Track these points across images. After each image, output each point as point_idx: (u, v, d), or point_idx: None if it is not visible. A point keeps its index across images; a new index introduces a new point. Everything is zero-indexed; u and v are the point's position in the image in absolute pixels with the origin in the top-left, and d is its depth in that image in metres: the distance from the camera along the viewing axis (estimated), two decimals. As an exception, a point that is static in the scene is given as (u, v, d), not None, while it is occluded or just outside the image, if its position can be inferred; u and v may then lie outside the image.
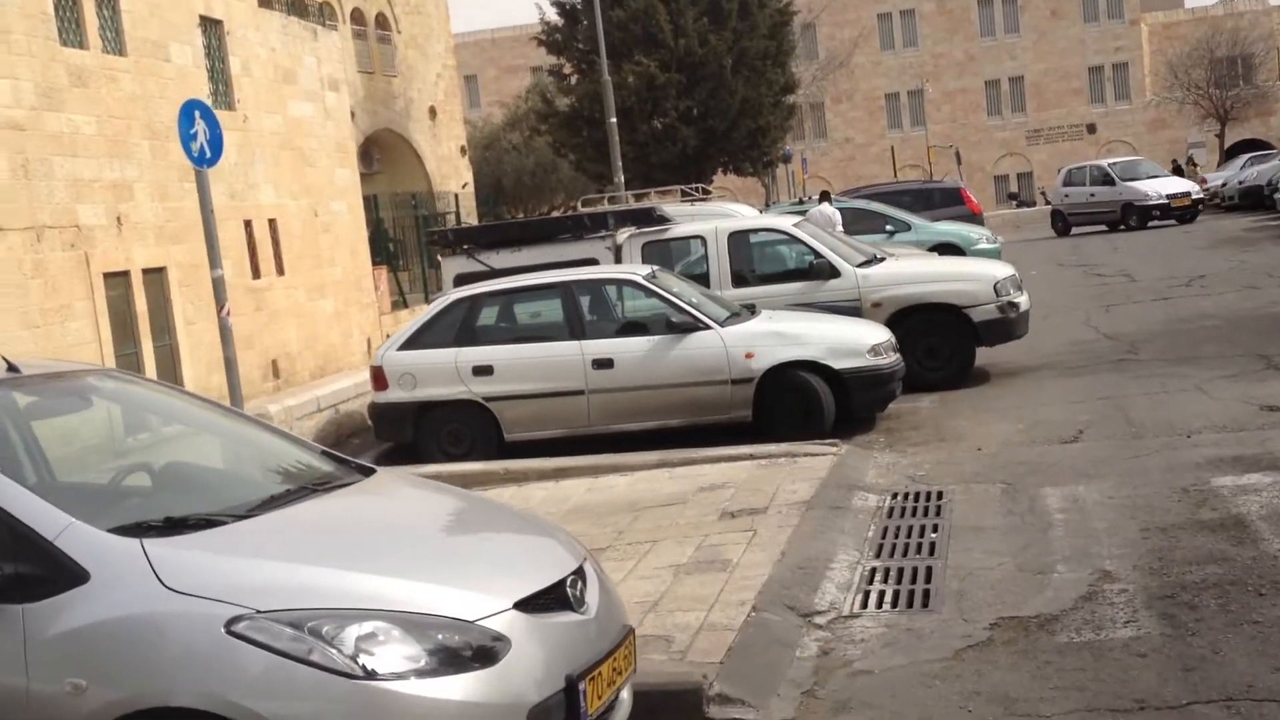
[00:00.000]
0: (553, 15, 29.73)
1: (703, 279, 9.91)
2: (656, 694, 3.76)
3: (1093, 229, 26.68)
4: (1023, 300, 9.94)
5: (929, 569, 5.08)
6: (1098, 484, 6.08)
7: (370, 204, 18.59)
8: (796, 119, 36.48)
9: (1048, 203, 34.15)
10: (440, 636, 2.79)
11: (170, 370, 11.11)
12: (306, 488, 3.47)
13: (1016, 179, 52.63)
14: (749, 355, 8.13)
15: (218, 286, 8.22)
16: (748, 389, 8.13)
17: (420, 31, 25.38)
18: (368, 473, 3.74)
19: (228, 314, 8.20)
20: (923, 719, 3.73)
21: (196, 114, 8.11)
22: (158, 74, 11.43)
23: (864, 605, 4.78)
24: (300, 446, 3.90)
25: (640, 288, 8.59)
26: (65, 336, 9.79)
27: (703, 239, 10.29)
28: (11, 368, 3.56)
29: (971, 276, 9.96)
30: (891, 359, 8.34)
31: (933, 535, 5.54)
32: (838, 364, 8.08)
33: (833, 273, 9.81)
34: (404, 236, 21.22)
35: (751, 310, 8.76)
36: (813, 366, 8.09)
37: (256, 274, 12.81)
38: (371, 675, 2.68)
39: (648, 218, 10.54)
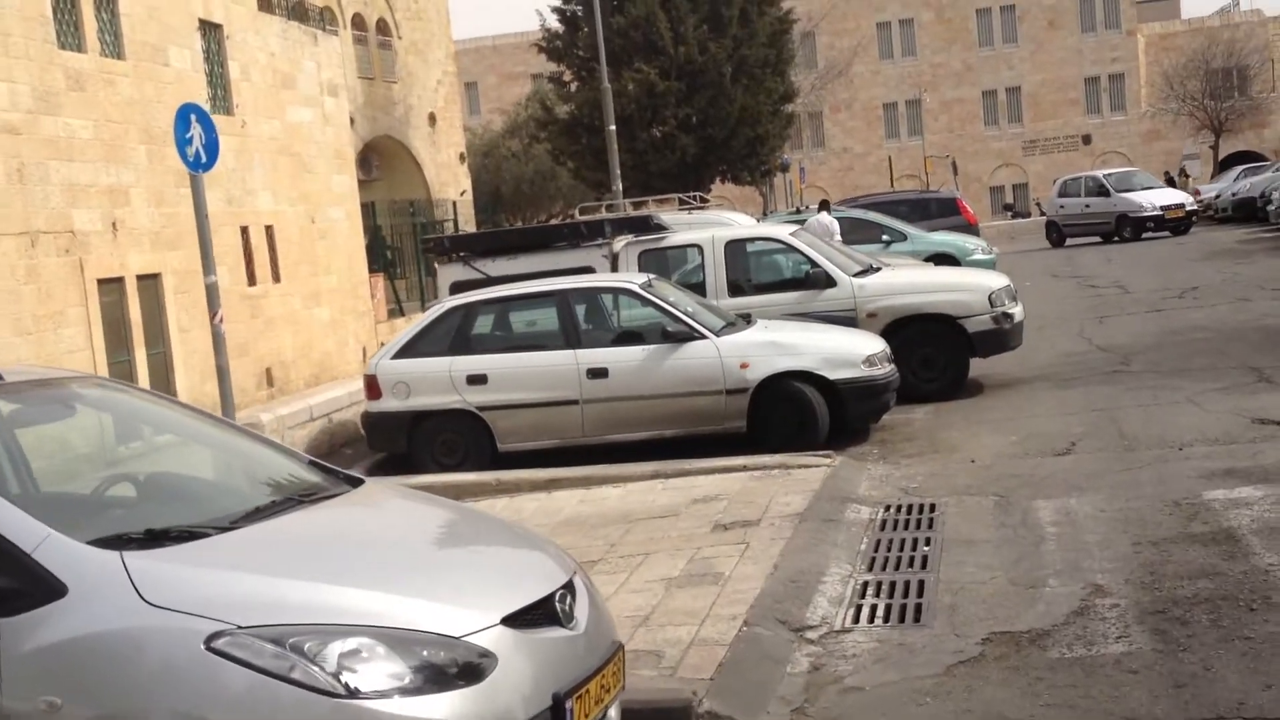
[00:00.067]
0: (553, 22, 29.80)
1: (699, 288, 9.90)
2: (646, 711, 3.73)
3: (1087, 240, 26.74)
4: (1017, 311, 9.94)
5: (921, 583, 5.07)
6: (1090, 497, 6.08)
7: (368, 211, 18.59)
8: (795, 128, 36.56)
9: (1043, 214, 34.23)
10: (425, 653, 2.75)
11: (164, 378, 11.08)
12: (292, 499, 3.43)
13: (1012, 190, 52.73)
14: (744, 365, 8.12)
15: (211, 293, 8.20)
16: (742, 399, 8.12)
17: (421, 38, 25.41)
18: (356, 483, 3.71)
19: (220, 321, 8.18)
20: (913, 736, 3.72)
21: (192, 118, 8.09)
22: (156, 78, 11.42)
23: (856, 620, 4.76)
24: (288, 456, 3.86)
25: (636, 296, 8.58)
26: (58, 343, 9.76)
27: (699, 247, 10.30)
28: None
29: (966, 287, 9.97)
30: (886, 369, 8.33)
31: (925, 548, 5.53)
32: (832, 374, 8.07)
33: (829, 282, 9.81)
34: (402, 244, 21.21)
35: (747, 320, 8.76)
36: (807, 377, 8.08)
37: (252, 281, 12.79)
38: (354, 694, 2.64)
39: (644, 226, 10.54)
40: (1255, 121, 49.10)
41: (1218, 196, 29.91)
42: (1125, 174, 28.78)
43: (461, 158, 27.04)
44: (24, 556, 2.76)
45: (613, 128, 22.89)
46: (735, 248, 10.30)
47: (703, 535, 5.88)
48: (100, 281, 10.43)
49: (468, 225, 25.02)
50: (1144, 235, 25.66)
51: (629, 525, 6.27)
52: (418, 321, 9.27)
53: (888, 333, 9.26)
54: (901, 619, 4.71)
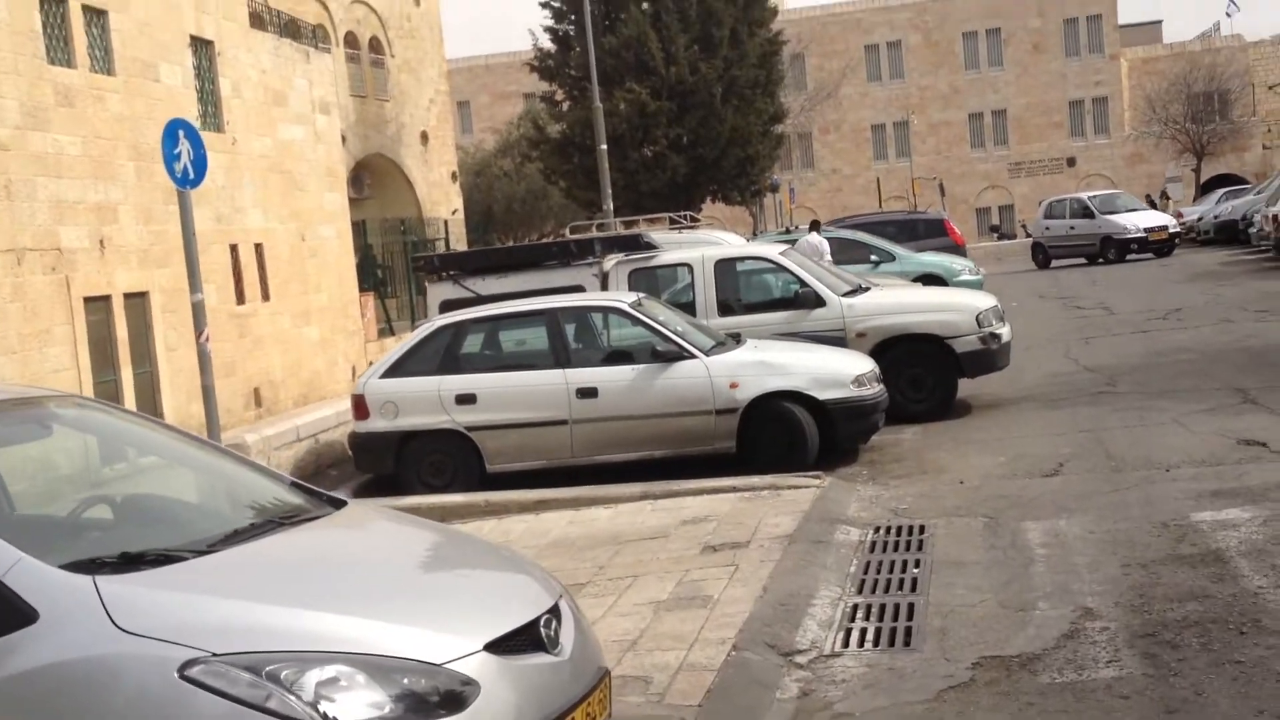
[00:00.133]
0: (546, 42, 29.93)
1: (689, 307, 9.90)
2: (632, 736, 3.70)
3: (1072, 261, 26.90)
4: (1005, 331, 9.97)
5: (911, 606, 5.04)
6: (1079, 518, 6.07)
7: (359, 229, 18.57)
8: (785, 149, 36.77)
9: (1028, 235, 34.45)
10: (406, 681, 2.70)
11: (150, 398, 11.00)
12: (273, 521, 3.37)
13: (998, 211, 53.11)
14: (734, 385, 8.11)
15: (197, 311, 8.15)
16: (732, 419, 8.10)
17: (414, 56, 25.47)
18: (338, 505, 3.65)
19: (206, 340, 8.13)
20: (902, 762, 3.69)
21: (181, 134, 8.07)
22: (146, 94, 11.40)
23: (845, 644, 4.73)
24: (269, 478, 3.81)
25: (626, 315, 8.57)
26: (44, 362, 9.69)
27: (689, 267, 10.30)
28: None
29: (955, 307, 10.00)
30: (875, 390, 8.33)
31: (915, 570, 5.51)
32: (822, 394, 8.06)
33: (818, 302, 9.83)
34: (393, 262, 21.19)
35: (737, 339, 8.76)
36: (797, 397, 8.07)
37: (241, 299, 12.73)
38: None
39: (635, 244, 10.55)
40: (1236, 145, 49.61)
41: (1200, 219, 30.17)
42: (1109, 196, 29.01)
43: (453, 176, 27.07)
44: None
45: (604, 147, 22.96)
46: (725, 267, 10.32)
47: (692, 557, 5.85)
48: (87, 300, 10.37)
49: (459, 244, 25.02)
50: (1128, 257, 25.85)
51: (618, 547, 6.23)
52: (406, 340, 9.24)
53: (876, 353, 9.27)
54: (891, 643, 4.68)
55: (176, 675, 2.57)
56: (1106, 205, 27.37)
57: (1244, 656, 4.11)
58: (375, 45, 24.19)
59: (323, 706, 2.59)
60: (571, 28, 28.76)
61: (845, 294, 10.05)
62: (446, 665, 2.77)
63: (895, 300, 10.37)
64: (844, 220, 23.31)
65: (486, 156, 39.69)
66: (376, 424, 8.59)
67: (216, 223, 12.28)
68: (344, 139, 18.91)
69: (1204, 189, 42.40)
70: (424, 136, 25.59)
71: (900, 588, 5.31)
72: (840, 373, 8.22)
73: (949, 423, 9.28)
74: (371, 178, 24.41)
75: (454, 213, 26.38)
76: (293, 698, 2.59)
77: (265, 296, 13.22)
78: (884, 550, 5.91)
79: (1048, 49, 52.62)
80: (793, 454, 7.93)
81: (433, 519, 7.00)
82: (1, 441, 3.54)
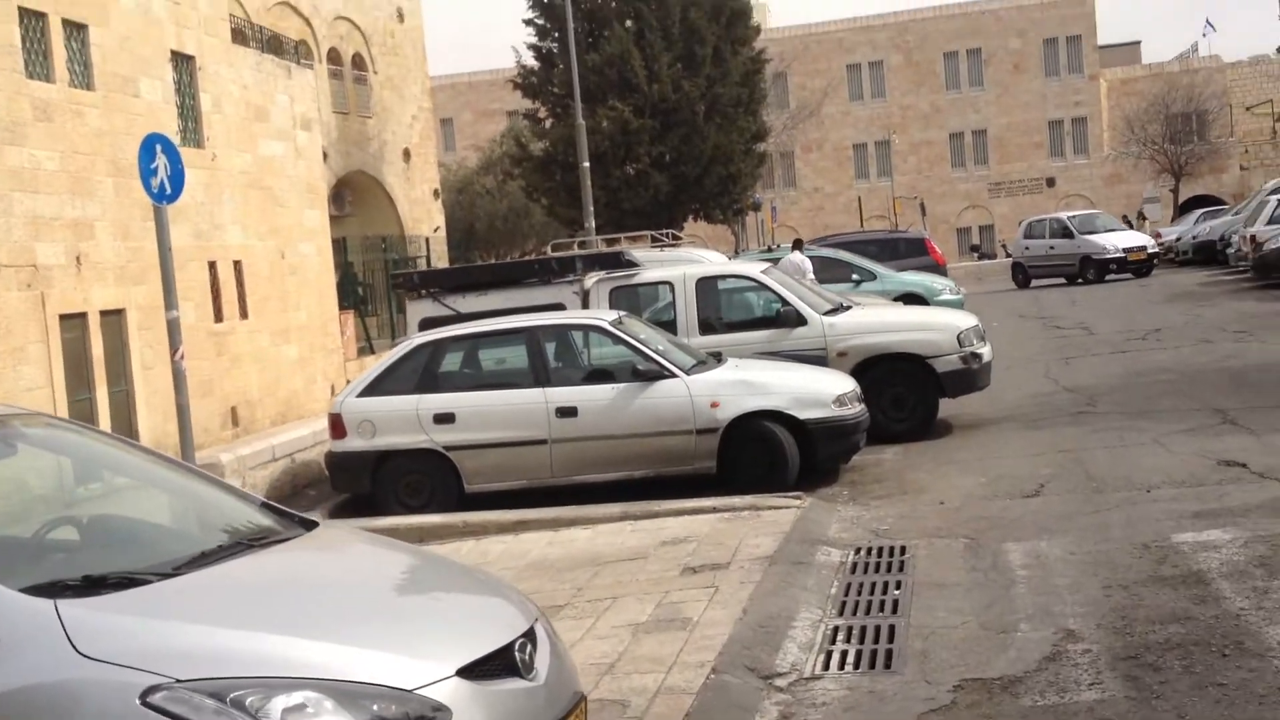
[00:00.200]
0: (529, 59, 30.01)
1: (670, 326, 9.88)
2: (609, 762, 3.64)
3: (1052, 281, 27.10)
4: (986, 351, 9.99)
5: (892, 628, 5.00)
6: (1059, 539, 6.06)
7: (339, 247, 18.48)
8: (767, 167, 36.96)
9: (1008, 255, 34.69)
10: (375, 707, 2.64)
11: (125, 417, 10.86)
12: (241, 543, 3.31)
13: (979, 231, 53.53)
14: (714, 404, 8.08)
15: (173, 329, 8.05)
16: (712, 439, 8.06)
17: (397, 73, 25.46)
18: (309, 526, 3.59)
19: (181, 358, 8.03)
20: (883, 788, 3.64)
21: (158, 148, 7.99)
22: (126, 109, 11.31)
23: (826, 666, 4.68)
24: (239, 499, 3.74)
25: (606, 334, 8.53)
26: (17, 380, 9.55)
27: (671, 285, 10.29)
28: None
29: (936, 326, 10.01)
30: (856, 409, 8.31)
31: (896, 592, 5.47)
32: (803, 414, 8.04)
33: (799, 321, 9.83)
34: (373, 280, 21.09)
35: (718, 358, 8.73)
36: (778, 416, 8.04)
37: (219, 317, 12.61)
38: None
39: (616, 262, 10.53)
40: (1214, 166, 50.23)
41: (1178, 239, 30.47)
42: (1088, 216, 29.26)
43: (435, 194, 27.03)
44: None
45: (586, 165, 23.00)
46: (706, 285, 10.30)
47: (671, 578, 5.79)
48: (62, 317, 10.23)
49: (440, 261, 24.95)
50: (1107, 277, 26.05)
51: (597, 568, 6.17)
52: (384, 359, 9.16)
53: (858, 372, 9.26)
54: (872, 665, 4.64)
55: (139, 702, 2.51)
56: (1086, 225, 27.60)
57: (1226, 679, 4.09)
58: (358, 62, 24.18)
59: None
60: (555, 45, 28.86)
61: (827, 313, 10.05)
62: (417, 691, 2.71)
63: (877, 319, 10.38)
64: (826, 239, 23.41)
65: (469, 174, 39.72)
66: (353, 443, 8.50)
67: (195, 239, 12.17)
68: (325, 155, 18.85)
69: (1182, 209, 42.88)
70: (406, 153, 25.56)
71: (881, 609, 5.27)
72: (821, 392, 8.20)
73: (930, 443, 9.27)
74: (353, 195, 24.34)
75: (436, 230, 26.33)
76: None
77: (244, 314, 13.11)
78: (865, 571, 5.87)
79: (1028, 69, 53.20)
80: (773, 474, 7.89)
81: (410, 540, 6.93)
82: None
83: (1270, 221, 20.77)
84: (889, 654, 4.71)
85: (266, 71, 14.34)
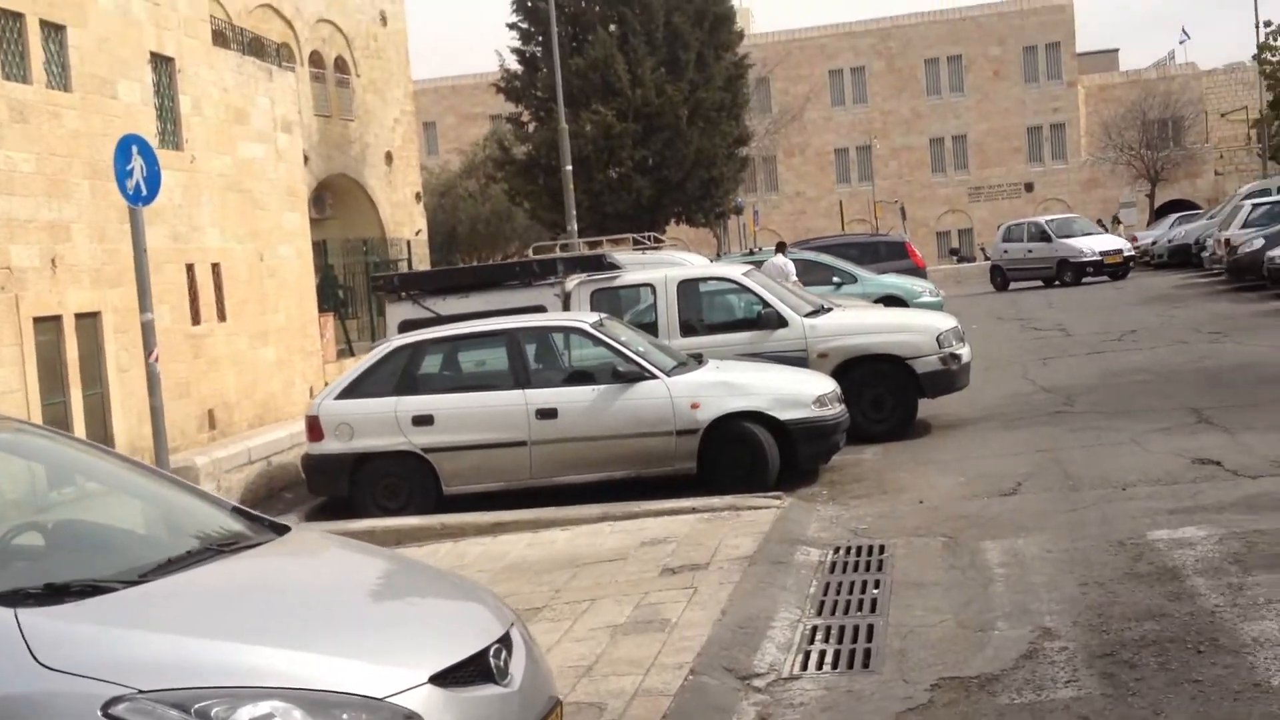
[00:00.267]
0: (513, 63, 29.97)
1: (651, 328, 9.87)
2: (585, 763, 3.61)
3: (1030, 284, 27.29)
4: (965, 352, 10.03)
5: (870, 627, 5.00)
6: (1037, 537, 6.08)
7: (320, 249, 18.38)
8: (749, 171, 37.02)
9: (987, 258, 34.89)
10: (345, 717, 2.59)
11: (101, 420, 10.75)
12: (210, 549, 3.26)
13: (958, 235, 53.83)
14: (695, 405, 8.07)
15: (147, 331, 7.98)
16: (693, 440, 8.05)
17: (380, 76, 25.36)
18: (281, 531, 3.54)
19: (155, 360, 7.95)
20: (860, 786, 3.63)
21: (134, 149, 7.92)
22: (104, 111, 11.21)
23: (804, 666, 4.67)
24: (210, 503, 3.69)
25: (587, 336, 8.51)
26: (-10, 383, 9.44)
27: (652, 287, 10.28)
28: None
29: (915, 328, 10.05)
30: (836, 410, 8.32)
31: (874, 591, 5.47)
32: (783, 415, 8.04)
33: (780, 322, 9.84)
34: (354, 283, 20.99)
35: (699, 360, 8.73)
36: (758, 417, 8.04)
37: (197, 320, 12.51)
38: None
39: (597, 265, 10.51)
40: (1190, 171, 50.72)
41: (1154, 243, 30.79)
42: (1066, 220, 29.50)
43: (417, 197, 26.95)
44: None
45: (569, 168, 22.99)
46: (688, 287, 10.30)
47: (650, 580, 5.77)
48: (36, 320, 10.12)
49: (422, 264, 24.86)
50: (1084, 280, 26.27)
51: (575, 570, 6.14)
52: (362, 361, 9.11)
53: (838, 373, 9.28)
54: (850, 665, 4.63)
55: (101, 714, 2.46)
56: (1063, 229, 27.82)
57: (1202, 675, 4.10)
58: (341, 65, 24.08)
59: None
60: (538, 49, 28.85)
61: (807, 315, 10.06)
62: (389, 699, 2.66)
63: (857, 321, 10.41)
64: (807, 242, 23.49)
65: (451, 177, 39.61)
66: (330, 446, 8.44)
67: (173, 241, 12.08)
68: (307, 158, 18.74)
69: (1158, 214, 43.24)
70: (388, 157, 25.47)
71: (860, 609, 5.27)
72: (802, 393, 8.20)
73: (909, 443, 9.30)
74: (334, 198, 24.23)
75: (418, 233, 26.24)
76: None
77: (222, 317, 13.01)
78: (844, 571, 5.87)
79: (1008, 76, 53.55)
80: (753, 475, 7.89)
81: (388, 542, 6.88)
82: None
83: (1244, 225, 20.98)
84: (867, 653, 4.71)
85: (247, 74, 14.26)
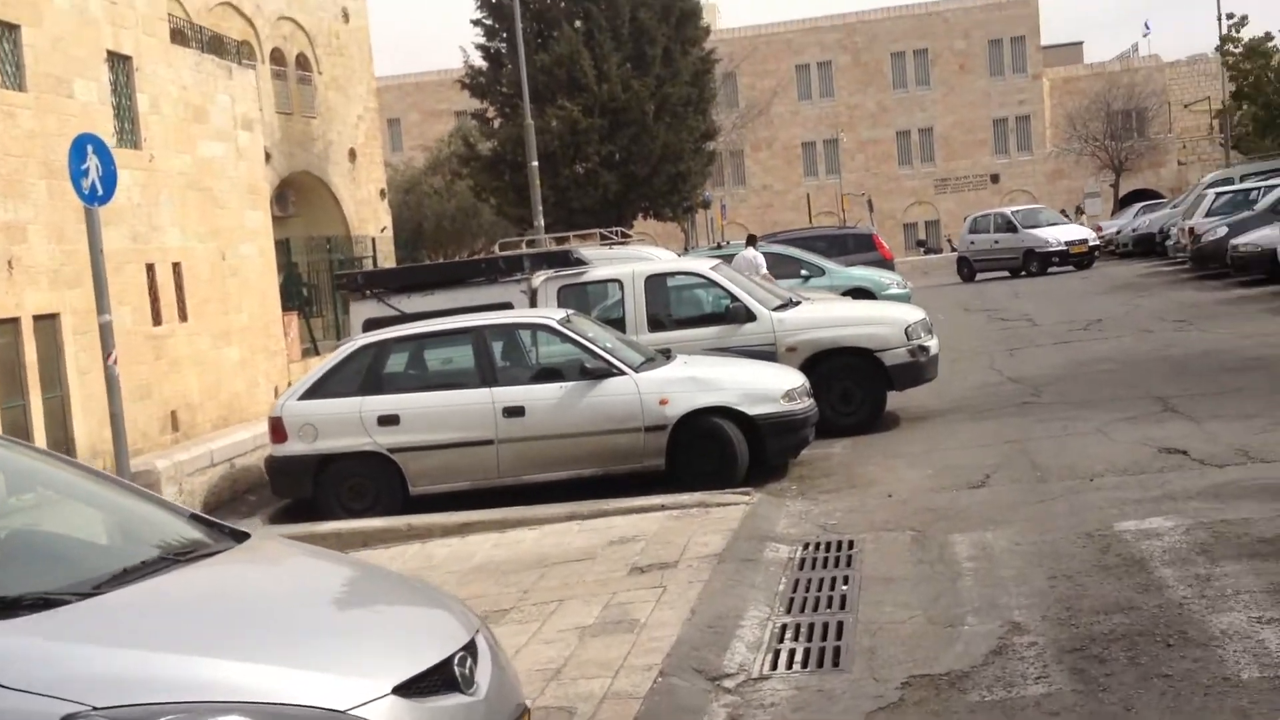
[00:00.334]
0: (477, 59, 29.75)
1: (619, 323, 9.80)
2: (552, 771, 3.55)
3: (996, 275, 27.50)
4: (933, 344, 10.05)
5: (840, 624, 4.97)
6: (1005, 530, 6.08)
7: (283, 248, 18.13)
8: (716, 165, 37.03)
9: (954, 249, 35.15)
10: None
11: (61, 423, 10.53)
12: (167, 558, 3.17)
13: (925, 226, 54.21)
14: (663, 401, 8.02)
15: (105, 333, 7.80)
16: (661, 436, 8.00)
17: (342, 73, 25.07)
18: (241, 538, 3.46)
19: (114, 362, 7.78)
20: (831, 787, 3.59)
21: (89, 149, 7.74)
22: (60, 110, 10.97)
23: (774, 665, 4.63)
24: (167, 510, 3.59)
25: (554, 332, 8.43)
26: (-58, 387, 9.20)
27: (620, 282, 10.21)
28: None
29: (884, 320, 10.05)
30: (805, 404, 8.30)
31: (844, 587, 5.45)
32: (752, 410, 8.00)
33: (749, 317, 9.80)
34: (319, 281, 20.75)
35: (667, 355, 8.67)
36: (727, 412, 8.00)
37: (158, 320, 12.29)
38: None
39: (564, 261, 10.42)
40: (1153, 161, 51.40)
41: (1119, 232, 31.15)
42: (1031, 211, 29.76)
43: (382, 194, 26.68)
44: None
45: (535, 164, 22.84)
46: (655, 283, 10.24)
47: (619, 579, 5.72)
48: (-10, 322, 9.89)
49: (387, 262, 24.63)
50: (1050, 269, 26.51)
51: (544, 570, 6.07)
52: (326, 360, 8.97)
53: (807, 367, 9.26)
54: (820, 663, 4.59)
55: None
56: (1029, 220, 28.06)
57: (1171, 670, 4.10)
58: (303, 62, 23.77)
59: None
60: (503, 45, 28.64)
61: (776, 308, 10.04)
62: (351, 711, 2.61)
63: (825, 314, 10.40)
64: (775, 235, 23.49)
65: (416, 174, 39.30)
66: (294, 447, 8.30)
67: (132, 241, 11.85)
68: (269, 156, 18.47)
69: (1122, 204, 43.78)
70: (352, 154, 25.20)
71: (829, 605, 5.24)
72: (770, 388, 8.17)
73: (878, 435, 9.30)
74: (297, 195, 23.93)
75: (383, 230, 25.99)
76: None
77: (183, 317, 12.79)
78: (813, 567, 5.84)
79: (973, 69, 53.95)
80: (722, 470, 7.85)
81: (354, 544, 6.78)
82: None
83: (1208, 214, 21.26)
84: (837, 651, 4.68)
85: (206, 72, 14.02)
